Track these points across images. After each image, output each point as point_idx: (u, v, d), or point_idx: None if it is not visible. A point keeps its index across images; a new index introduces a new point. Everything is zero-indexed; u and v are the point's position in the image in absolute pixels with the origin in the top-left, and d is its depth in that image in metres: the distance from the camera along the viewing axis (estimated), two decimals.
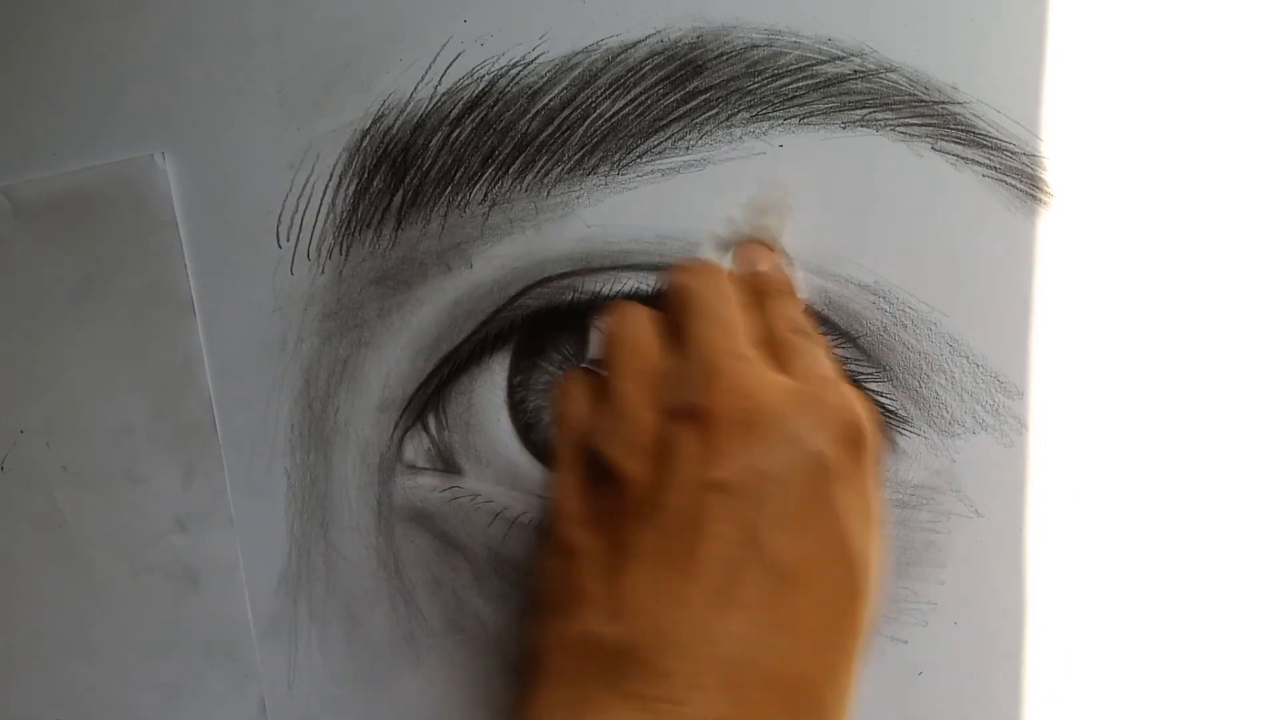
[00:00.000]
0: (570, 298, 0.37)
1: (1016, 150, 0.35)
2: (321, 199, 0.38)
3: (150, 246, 0.39)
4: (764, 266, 0.35)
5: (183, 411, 0.40)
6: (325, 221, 0.38)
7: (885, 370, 0.36)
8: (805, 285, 0.36)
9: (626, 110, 0.36)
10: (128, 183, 0.39)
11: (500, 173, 0.37)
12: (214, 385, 0.40)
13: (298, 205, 0.39)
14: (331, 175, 0.38)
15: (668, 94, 0.36)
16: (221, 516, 0.40)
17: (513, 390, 0.39)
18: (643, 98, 0.36)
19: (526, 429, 0.39)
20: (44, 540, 0.42)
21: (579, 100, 0.36)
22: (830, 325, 0.36)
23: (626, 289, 0.37)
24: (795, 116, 0.36)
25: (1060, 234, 0.35)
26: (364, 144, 0.38)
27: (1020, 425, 0.36)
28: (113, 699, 0.42)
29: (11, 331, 0.41)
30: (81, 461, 0.41)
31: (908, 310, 0.36)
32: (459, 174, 0.37)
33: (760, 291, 0.34)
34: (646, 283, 0.37)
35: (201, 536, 0.41)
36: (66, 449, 0.41)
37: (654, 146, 0.36)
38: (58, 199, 0.40)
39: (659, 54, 0.36)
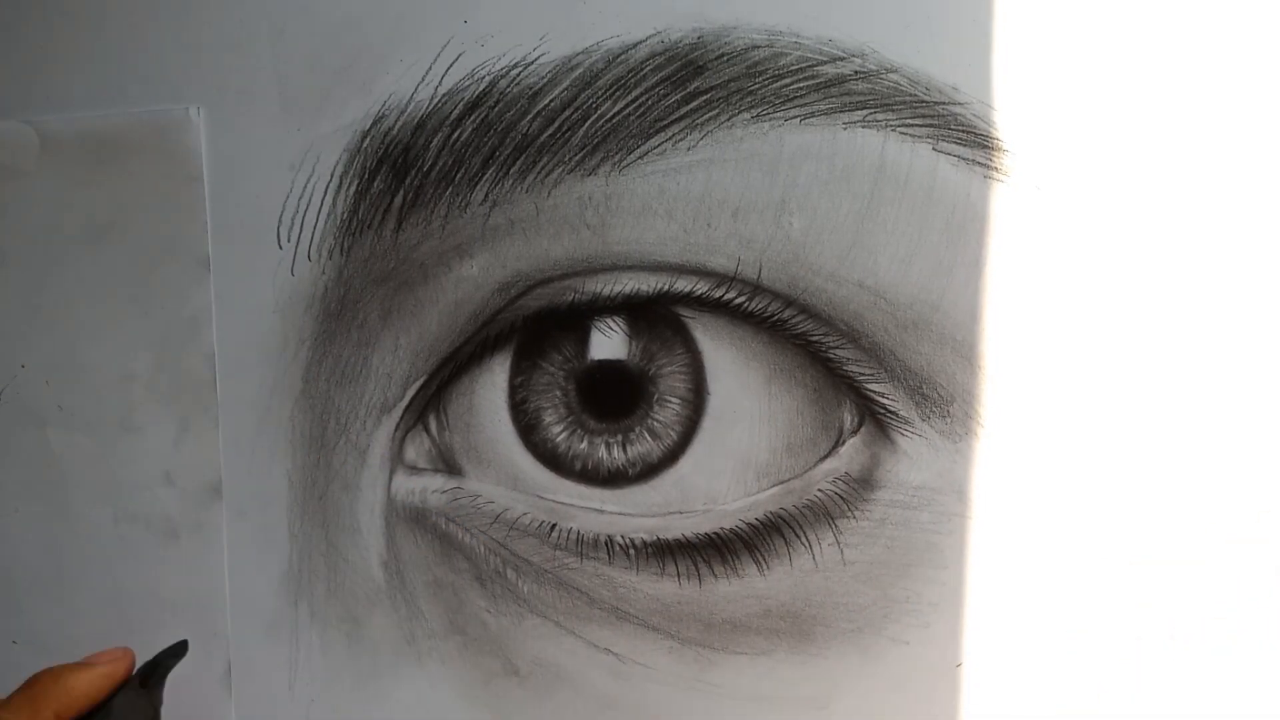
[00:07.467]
0: (571, 298, 0.37)
1: (1018, 150, 0.35)
2: (322, 200, 0.38)
3: (174, 199, 0.39)
4: None
5: (185, 367, 0.40)
6: (326, 222, 0.38)
7: (886, 370, 0.36)
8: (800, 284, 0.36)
9: (627, 111, 0.36)
10: (159, 132, 0.39)
11: (501, 173, 0.37)
12: (215, 385, 0.40)
13: (298, 206, 0.39)
14: (332, 176, 0.38)
15: (669, 95, 0.36)
16: (211, 475, 0.40)
17: (514, 391, 0.39)
18: (644, 98, 0.36)
19: (527, 430, 0.39)
20: (31, 476, 0.42)
21: (580, 101, 0.36)
22: (831, 325, 0.36)
23: (627, 289, 0.37)
24: (796, 117, 0.36)
25: (1064, 235, 0.35)
26: (365, 145, 0.38)
27: (1021, 426, 0.36)
28: (77, 639, 0.42)
29: (24, 266, 0.41)
30: (78, 403, 0.41)
31: (908, 310, 0.36)
32: (460, 175, 0.37)
33: None
34: (647, 283, 0.37)
35: (188, 492, 0.41)
36: (65, 389, 0.41)
37: (655, 147, 0.36)
38: (86, 139, 0.40)
39: (660, 55, 0.36)
